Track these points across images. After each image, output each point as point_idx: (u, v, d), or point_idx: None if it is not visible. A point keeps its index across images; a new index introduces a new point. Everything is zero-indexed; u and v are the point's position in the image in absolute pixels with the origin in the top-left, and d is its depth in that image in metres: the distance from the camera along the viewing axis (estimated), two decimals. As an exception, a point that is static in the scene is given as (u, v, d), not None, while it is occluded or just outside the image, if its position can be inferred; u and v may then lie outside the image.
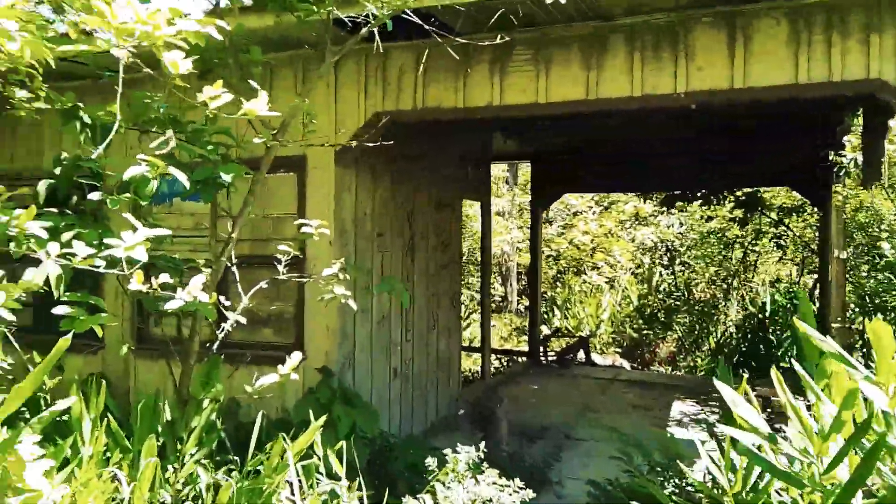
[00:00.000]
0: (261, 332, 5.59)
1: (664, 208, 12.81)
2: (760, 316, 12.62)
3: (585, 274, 13.18)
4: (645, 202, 12.83)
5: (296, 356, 3.54)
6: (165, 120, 3.60)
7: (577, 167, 9.95)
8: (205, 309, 3.42)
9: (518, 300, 16.12)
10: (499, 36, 3.99)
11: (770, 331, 12.32)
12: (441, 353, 7.31)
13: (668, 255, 13.38)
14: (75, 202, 3.42)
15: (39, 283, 2.27)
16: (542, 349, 10.85)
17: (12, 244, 2.74)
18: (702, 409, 8.19)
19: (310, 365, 5.36)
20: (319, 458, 3.79)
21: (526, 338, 13.32)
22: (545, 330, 12.01)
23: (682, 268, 13.90)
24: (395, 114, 4.95)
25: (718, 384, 3.37)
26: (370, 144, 5.34)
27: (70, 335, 2.25)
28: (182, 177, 2.85)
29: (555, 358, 10.88)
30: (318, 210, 5.23)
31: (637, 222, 13.51)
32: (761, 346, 12.06)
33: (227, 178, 3.26)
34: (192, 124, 3.58)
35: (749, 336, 12.13)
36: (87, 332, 4.71)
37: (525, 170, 16.50)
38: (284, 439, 3.40)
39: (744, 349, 12.16)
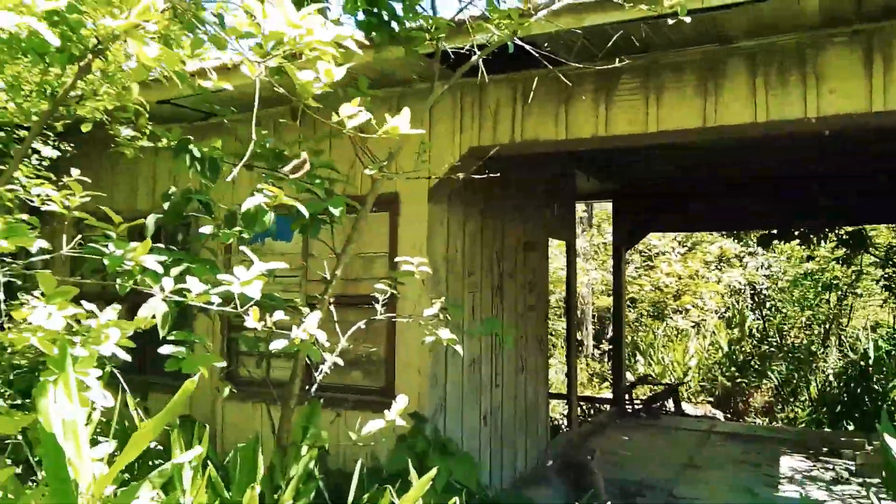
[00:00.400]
0: (348, 376, 5.40)
1: (758, 248, 12.13)
2: (862, 364, 11.70)
3: (670, 318, 12.52)
4: (738, 242, 12.14)
5: (401, 400, 3.30)
6: (270, 154, 3.51)
7: (665, 204, 9.53)
8: (310, 349, 3.25)
9: (594, 344, 15.53)
10: (617, 60, 3.77)
11: (874, 380, 11.39)
12: (529, 399, 6.96)
13: (757, 298, 12.62)
14: (181, 238, 3.33)
15: (153, 320, 2.12)
16: (627, 397, 10.29)
17: (118, 280, 2.63)
18: (814, 465, 7.48)
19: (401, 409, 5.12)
20: (419, 514, 3.51)
21: (605, 384, 12.74)
22: (628, 376, 11.42)
23: (772, 312, 13.09)
24: (492, 148, 4.77)
25: (890, 440, 2.94)
26: (463, 180, 5.17)
27: (196, 377, 2.08)
28: (302, 209, 2.71)
29: (640, 407, 10.29)
30: (409, 248, 5.05)
31: (723, 264, 12.81)
32: (865, 396, 11.15)
33: (335, 211, 3.11)
34: (297, 159, 3.48)
35: (852, 385, 11.23)
36: (174, 373, 4.53)
37: (599, 209, 16.09)
38: (391, 493, 3.14)
39: (845, 399, 11.26)
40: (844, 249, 9.51)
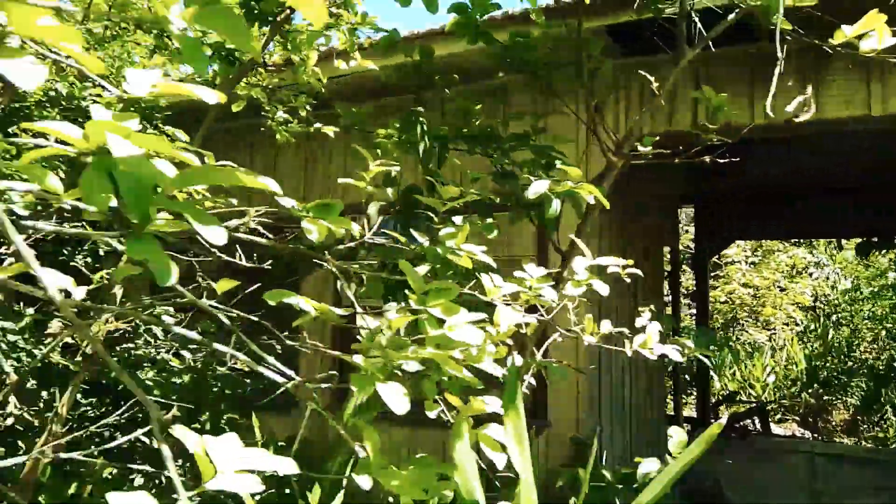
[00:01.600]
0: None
1: (822, 259, 11.58)
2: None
3: (746, 331, 11.88)
4: (808, 251, 11.48)
5: (677, 433, 2.70)
6: (480, 133, 2.95)
7: (755, 209, 8.96)
8: (555, 370, 2.66)
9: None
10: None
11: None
12: (652, 420, 6.35)
13: (834, 310, 12.02)
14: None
15: (515, 327, 1.53)
16: (712, 416, 9.67)
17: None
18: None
19: (555, 433, 4.53)
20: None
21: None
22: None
23: (839, 325, 12.50)
24: (668, 136, 4.22)
25: None
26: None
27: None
28: (601, 198, 2.15)
29: (725, 426, 9.66)
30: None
31: (797, 274, 12.22)
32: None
33: (589, 196, 2.52)
34: (515, 137, 2.92)
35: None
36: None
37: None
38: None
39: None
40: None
